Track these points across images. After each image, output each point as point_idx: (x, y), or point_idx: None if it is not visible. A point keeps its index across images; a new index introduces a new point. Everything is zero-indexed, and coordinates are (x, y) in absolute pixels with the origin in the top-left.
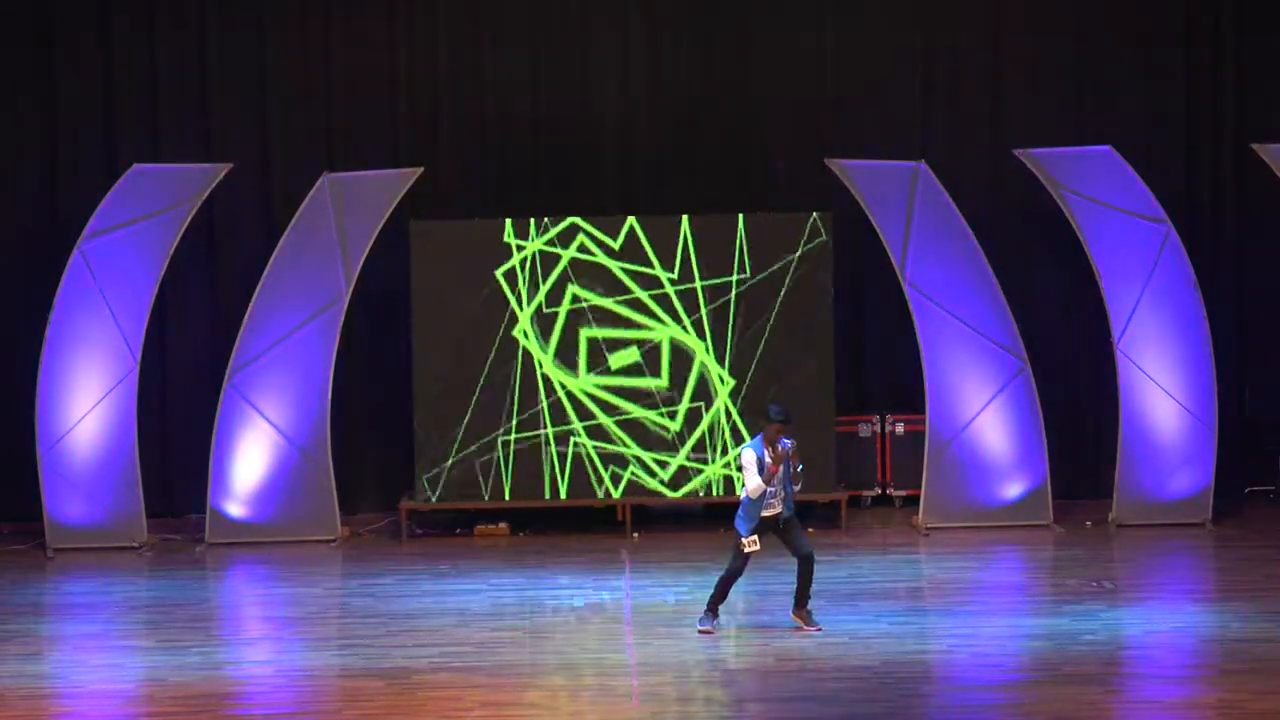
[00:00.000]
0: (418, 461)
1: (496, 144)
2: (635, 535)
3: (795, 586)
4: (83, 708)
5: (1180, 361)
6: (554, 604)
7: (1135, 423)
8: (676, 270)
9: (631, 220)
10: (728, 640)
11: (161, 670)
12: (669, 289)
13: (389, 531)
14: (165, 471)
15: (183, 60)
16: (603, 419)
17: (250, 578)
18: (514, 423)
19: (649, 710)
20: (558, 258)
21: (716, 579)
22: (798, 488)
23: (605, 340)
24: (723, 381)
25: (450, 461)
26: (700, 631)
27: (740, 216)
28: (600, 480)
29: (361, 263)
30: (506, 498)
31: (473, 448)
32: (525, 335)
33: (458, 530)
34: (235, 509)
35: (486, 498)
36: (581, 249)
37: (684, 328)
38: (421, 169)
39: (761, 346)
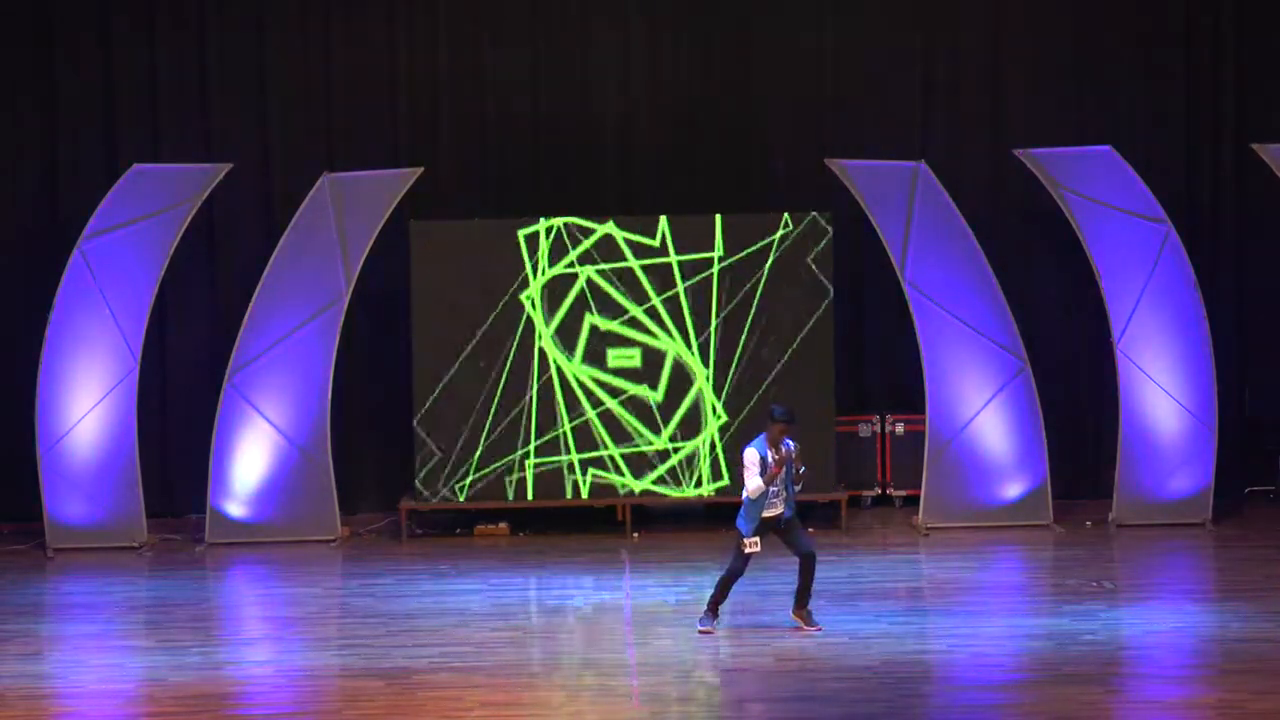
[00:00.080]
0: (417, 461)
1: (496, 144)
2: (635, 535)
3: (796, 586)
4: (83, 708)
5: (1180, 361)
6: (554, 604)
7: (1135, 423)
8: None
9: (664, 221)
10: (728, 640)
11: (161, 670)
12: (682, 294)
13: (389, 531)
14: (165, 471)
15: (183, 60)
16: (590, 413)
17: (250, 578)
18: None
19: (649, 710)
20: (595, 260)
21: (717, 579)
22: (799, 488)
23: (609, 333)
24: (715, 414)
25: (450, 461)
26: (700, 631)
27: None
28: (573, 481)
29: (361, 263)
30: (509, 498)
31: (473, 448)
32: (532, 304)
33: (458, 530)
34: (235, 509)
35: (462, 498)
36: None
37: (690, 347)
38: (421, 169)
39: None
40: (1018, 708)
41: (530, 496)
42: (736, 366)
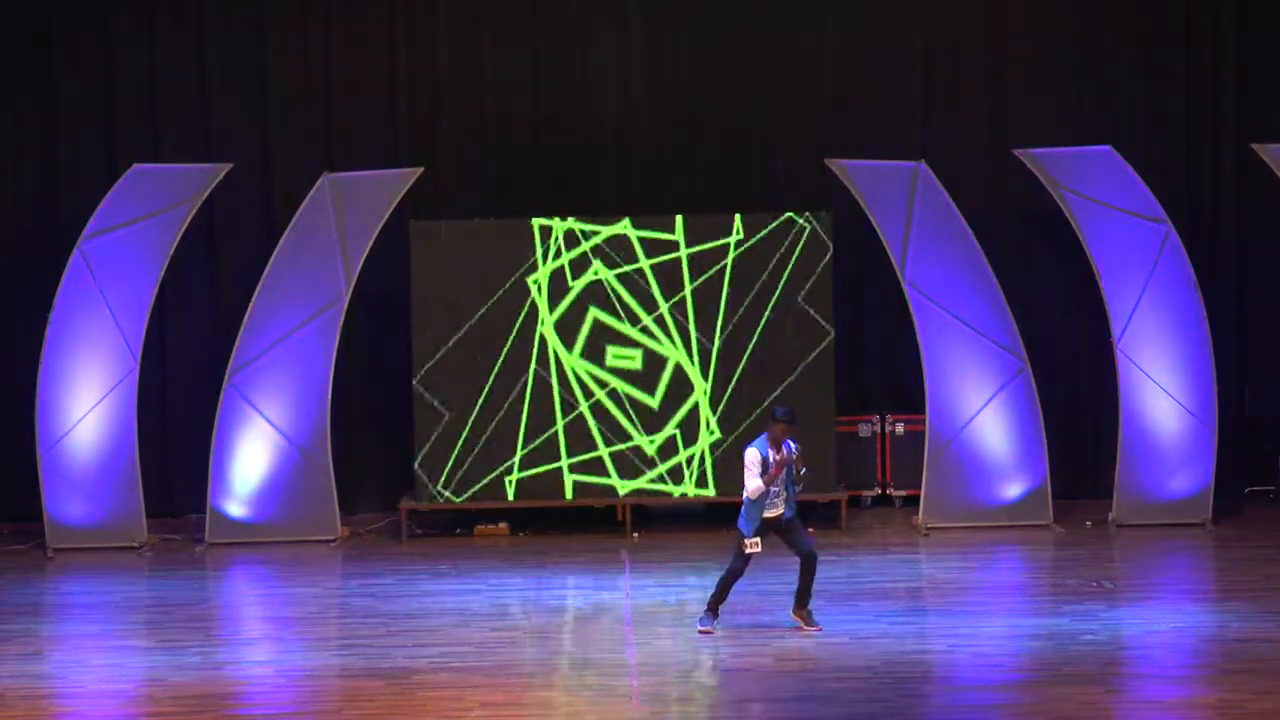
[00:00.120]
0: (417, 461)
1: (496, 144)
2: (635, 535)
3: (797, 586)
4: (83, 708)
5: (1180, 361)
6: (554, 604)
7: (1135, 423)
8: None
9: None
10: (728, 640)
11: (161, 670)
12: (689, 297)
13: (389, 531)
14: (165, 471)
15: (183, 60)
16: (583, 405)
17: (250, 578)
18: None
19: (649, 710)
20: (612, 258)
21: (717, 579)
22: (799, 489)
23: (612, 330)
24: (709, 429)
25: (451, 461)
26: (700, 631)
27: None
28: (571, 481)
29: (361, 263)
30: (510, 498)
31: (474, 449)
32: (538, 289)
33: (458, 530)
34: (235, 509)
35: (458, 498)
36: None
37: (690, 358)
38: (421, 169)
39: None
40: (1018, 708)
41: (511, 496)
42: (736, 382)
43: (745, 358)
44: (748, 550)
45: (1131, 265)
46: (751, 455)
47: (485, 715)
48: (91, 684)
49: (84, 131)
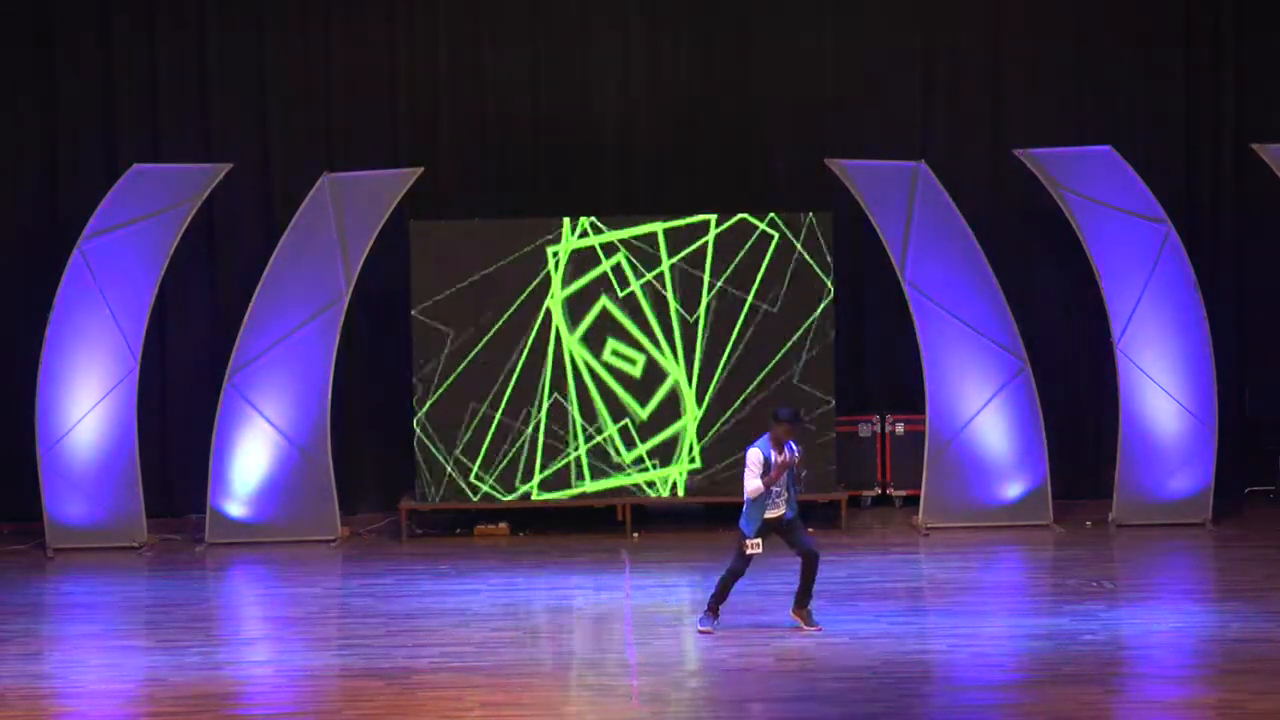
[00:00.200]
0: (417, 461)
1: (496, 144)
2: (635, 535)
3: (798, 585)
4: (83, 708)
5: (1180, 361)
6: (554, 604)
7: (1135, 423)
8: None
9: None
10: (728, 640)
11: (161, 670)
12: (703, 318)
13: (389, 531)
14: (165, 471)
15: (183, 60)
16: (571, 393)
17: (250, 578)
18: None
19: (649, 710)
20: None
21: (718, 579)
22: (800, 489)
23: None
24: (690, 459)
25: (450, 460)
26: (700, 631)
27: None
28: (531, 472)
29: (361, 263)
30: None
31: (473, 447)
32: (555, 263)
33: (458, 530)
34: (235, 509)
35: (475, 498)
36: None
37: (690, 380)
38: (421, 169)
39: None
40: (1018, 708)
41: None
42: (728, 419)
43: (739, 401)
44: (749, 551)
45: (1131, 265)
46: (754, 456)
47: (485, 715)
48: (91, 684)
49: (84, 131)
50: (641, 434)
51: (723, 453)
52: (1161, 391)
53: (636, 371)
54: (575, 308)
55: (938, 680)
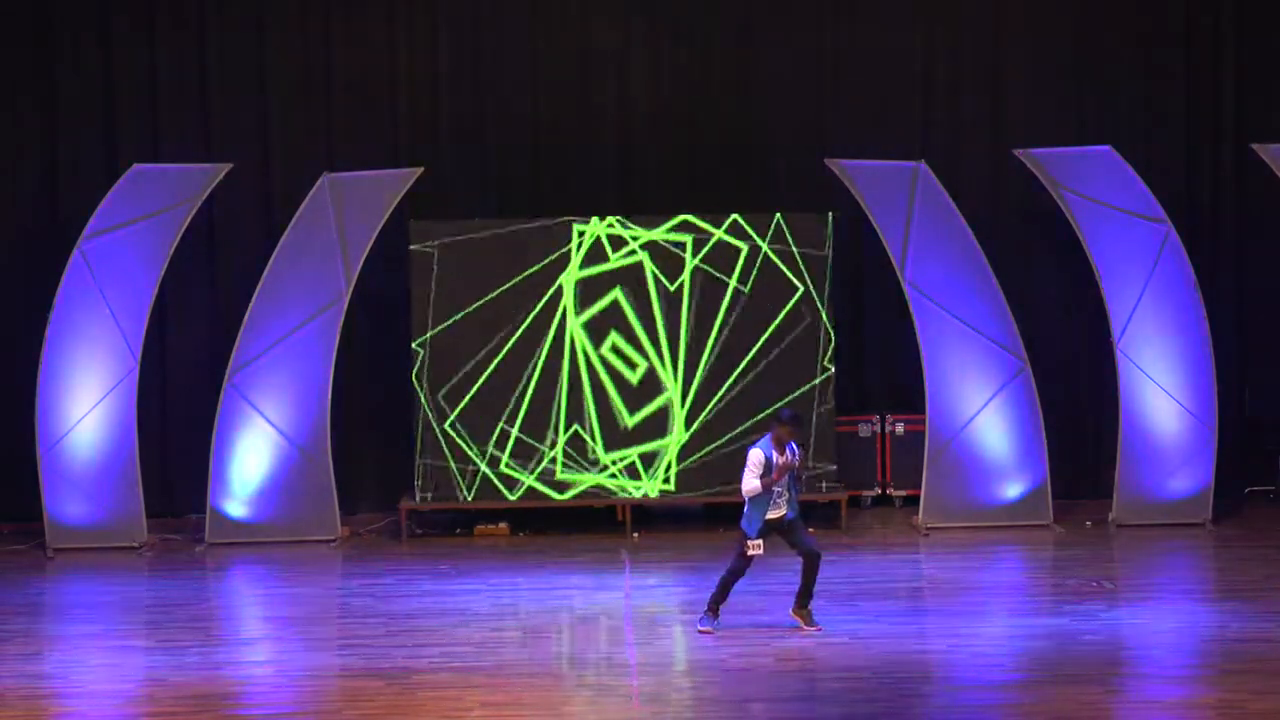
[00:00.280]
0: (417, 461)
1: (496, 144)
2: (635, 535)
3: (799, 586)
4: (83, 708)
5: (1180, 361)
6: (554, 604)
7: (1135, 423)
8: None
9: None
10: (728, 640)
11: (161, 670)
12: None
13: (389, 531)
14: (165, 471)
15: (183, 60)
16: (564, 378)
17: (250, 578)
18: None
19: (649, 710)
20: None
21: (718, 579)
22: (801, 490)
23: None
24: (666, 479)
25: (450, 460)
26: (700, 631)
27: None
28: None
29: (361, 263)
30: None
31: (473, 447)
32: (579, 244)
33: (458, 530)
34: (235, 509)
35: (469, 498)
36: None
37: (682, 403)
38: (421, 169)
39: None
40: (1018, 708)
41: (469, 495)
42: (714, 448)
43: (729, 435)
44: (750, 552)
45: (1131, 265)
46: (755, 456)
47: (485, 715)
48: (91, 684)
49: (84, 131)
50: (624, 440)
51: (697, 481)
52: (1161, 391)
53: (635, 378)
54: (587, 292)
55: (938, 680)
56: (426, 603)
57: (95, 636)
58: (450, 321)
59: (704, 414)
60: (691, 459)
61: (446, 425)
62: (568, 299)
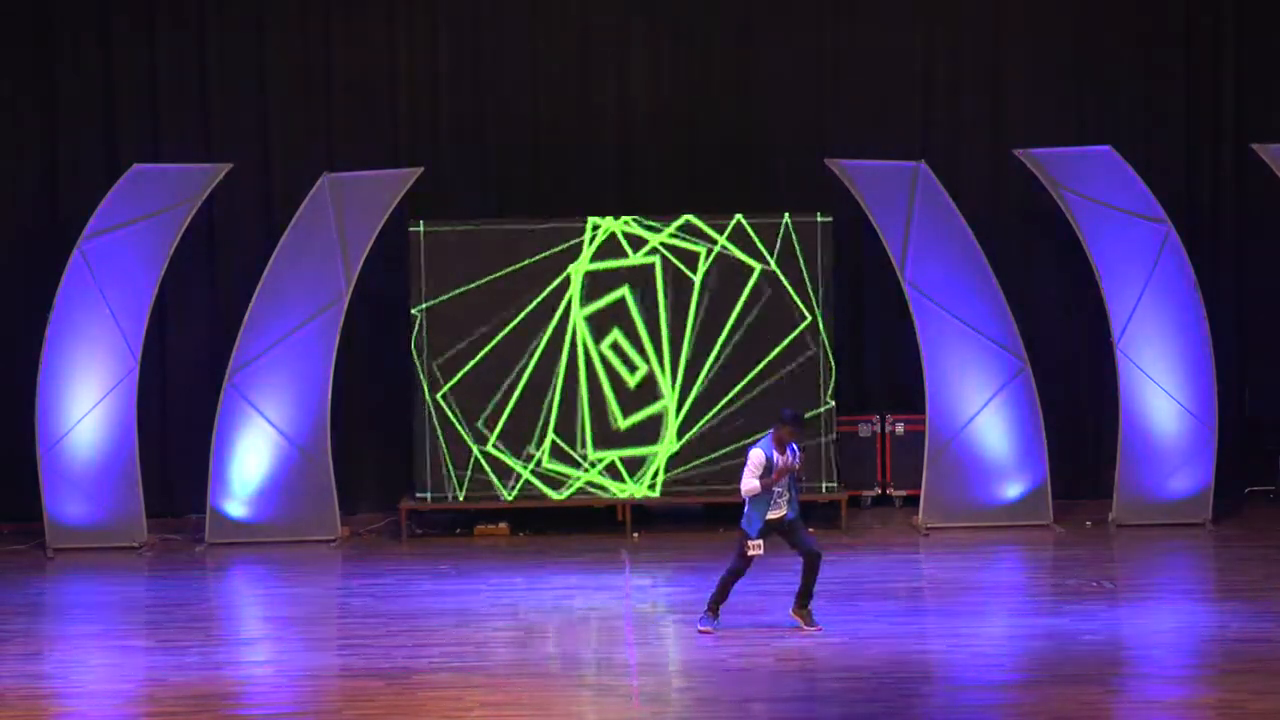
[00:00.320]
0: (417, 461)
1: (496, 144)
2: (635, 535)
3: (800, 585)
4: (83, 708)
5: (1180, 361)
6: (554, 604)
7: (1135, 423)
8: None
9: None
10: (728, 640)
11: (161, 670)
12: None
13: (389, 531)
14: (165, 471)
15: (183, 60)
16: (560, 368)
17: (250, 578)
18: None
19: (649, 710)
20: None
21: (718, 578)
22: (801, 490)
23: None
24: (652, 485)
25: (450, 459)
26: (700, 631)
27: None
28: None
29: (361, 263)
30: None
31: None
32: (591, 239)
33: (458, 530)
34: (235, 509)
35: (461, 496)
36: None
37: (678, 415)
38: (421, 169)
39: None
40: (1018, 708)
41: (462, 496)
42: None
43: (719, 452)
44: (750, 552)
45: (1131, 265)
46: (756, 456)
47: (485, 715)
48: (91, 684)
49: (84, 131)
50: (614, 441)
51: (683, 489)
52: (1161, 391)
53: (633, 381)
54: (595, 285)
55: (938, 680)
56: (426, 603)
57: (95, 636)
58: (453, 294)
59: (697, 426)
60: (679, 470)
61: (440, 395)
62: (574, 290)
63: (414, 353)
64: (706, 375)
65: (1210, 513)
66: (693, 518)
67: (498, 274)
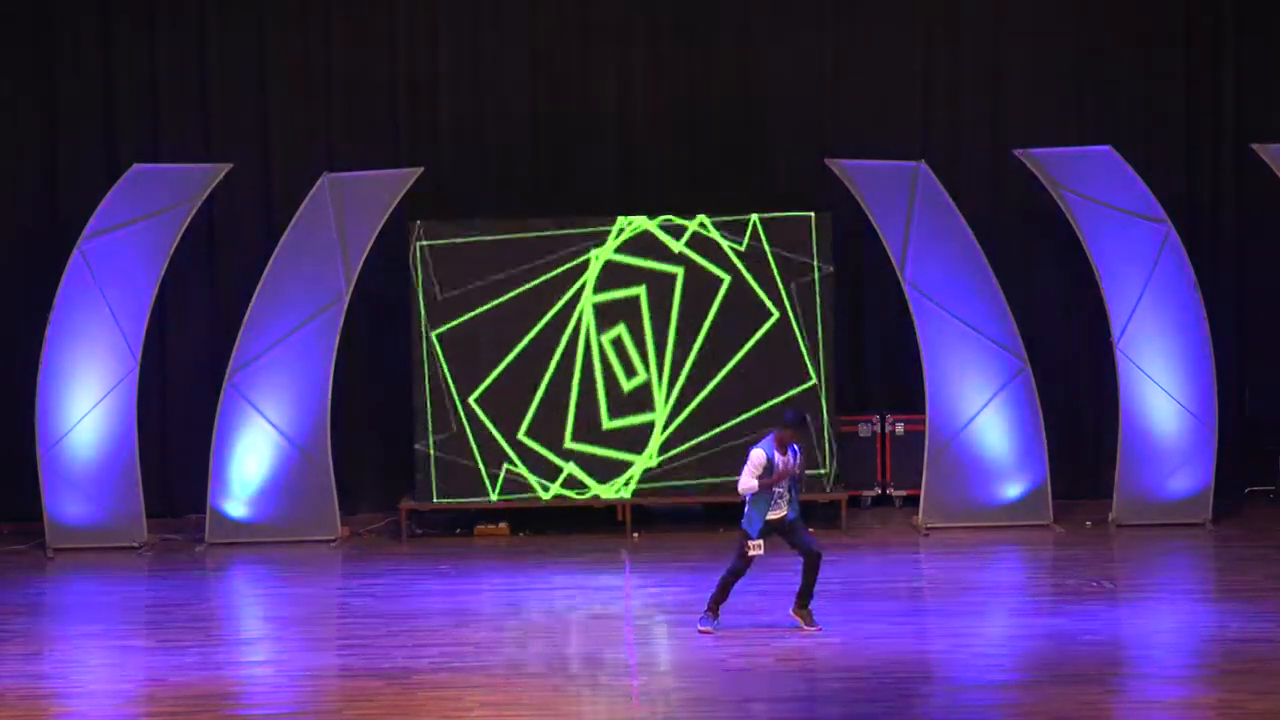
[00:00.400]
0: (417, 461)
1: (496, 144)
2: (635, 535)
3: (800, 585)
4: (83, 708)
5: (1180, 361)
6: (554, 604)
7: (1135, 423)
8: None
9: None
10: (728, 640)
11: (161, 670)
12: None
13: (389, 531)
14: (165, 471)
15: (183, 60)
16: (557, 353)
17: (250, 578)
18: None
19: (649, 710)
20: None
21: (718, 578)
22: (801, 490)
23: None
24: (625, 484)
25: (450, 460)
26: (700, 631)
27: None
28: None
29: (361, 263)
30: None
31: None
32: (619, 229)
33: (458, 530)
34: (235, 509)
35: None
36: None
37: (668, 427)
38: (421, 169)
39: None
40: (1018, 708)
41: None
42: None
43: (695, 481)
44: (751, 552)
45: (1131, 265)
46: (757, 456)
47: (485, 715)
48: (91, 684)
49: (84, 131)
50: (599, 439)
51: (656, 494)
52: (1161, 391)
53: (628, 386)
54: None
55: (938, 680)
56: (426, 603)
57: (95, 636)
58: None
59: (679, 448)
60: (653, 485)
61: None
62: (590, 275)
63: (421, 311)
64: (702, 399)
65: (1210, 513)
66: (693, 518)
67: (508, 257)
